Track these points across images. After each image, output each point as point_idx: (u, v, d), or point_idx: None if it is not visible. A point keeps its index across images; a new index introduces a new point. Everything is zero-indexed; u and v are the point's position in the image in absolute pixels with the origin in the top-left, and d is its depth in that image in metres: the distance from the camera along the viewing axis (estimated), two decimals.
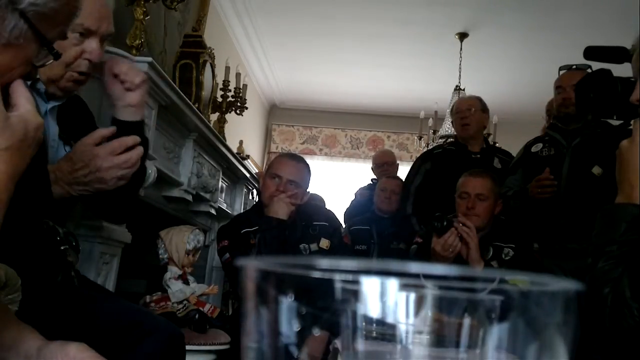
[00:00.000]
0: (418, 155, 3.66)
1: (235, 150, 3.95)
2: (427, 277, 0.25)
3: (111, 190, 1.36)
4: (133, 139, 1.33)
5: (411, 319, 0.25)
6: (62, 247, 1.28)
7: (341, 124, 7.10)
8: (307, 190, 2.37)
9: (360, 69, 5.71)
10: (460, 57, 4.92)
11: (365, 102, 6.69)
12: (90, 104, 1.61)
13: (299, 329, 0.25)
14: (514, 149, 2.96)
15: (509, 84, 5.71)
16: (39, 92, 1.33)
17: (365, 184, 4.38)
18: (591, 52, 1.41)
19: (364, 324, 0.26)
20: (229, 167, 3.68)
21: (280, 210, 2.19)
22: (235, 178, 4.07)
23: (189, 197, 2.94)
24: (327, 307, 0.25)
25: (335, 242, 2.33)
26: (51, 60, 0.82)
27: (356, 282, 0.25)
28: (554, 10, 4.29)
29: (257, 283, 0.26)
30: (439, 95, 5.33)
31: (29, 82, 1.28)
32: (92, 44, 1.35)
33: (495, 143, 4.39)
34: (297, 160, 2.38)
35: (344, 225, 2.93)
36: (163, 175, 2.58)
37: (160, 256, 2.26)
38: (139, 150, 1.35)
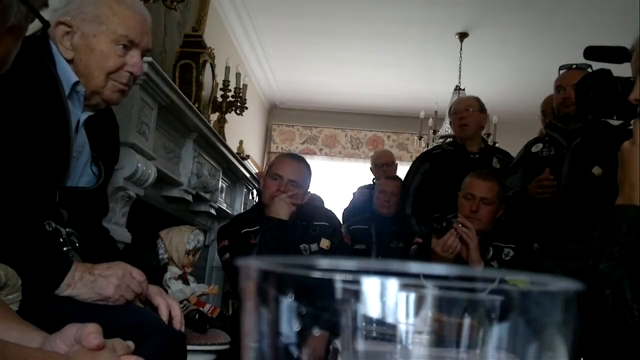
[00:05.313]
0: (418, 155, 3.65)
1: (235, 150, 3.95)
2: (427, 277, 0.25)
3: None
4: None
5: (411, 319, 0.25)
6: (64, 249, 1.27)
7: (341, 124, 7.10)
8: (308, 190, 2.37)
9: (361, 68, 5.71)
10: (460, 57, 4.92)
11: (365, 102, 6.69)
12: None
13: (299, 329, 0.25)
14: (514, 149, 2.95)
15: (509, 84, 5.71)
16: (78, 94, 1.32)
17: (366, 183, 4.37)
18: (591, 52, 1.41)
19: (364, 324, 0.26)
20: (229, 167, 3.68)
21: (281, 210, 2.19)
22: (235, 178, 4.07)
23: (189, 197, 2.94)
24: (327, 307, 0.25)
25: (335, 242, 2.34)
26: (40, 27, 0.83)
27: (356, 282, 0.25)
28: (554, 10, 4.29)
29: (257, 283, 0.26)
30: (439, 95, 5.33)
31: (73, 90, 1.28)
32: (134, 57, 1.35)
33: (495, 143, 4.39)
34: (298, 160, 2.38)
35: (344, 225, 2.92)
36: (163, 175, 2.58)
37: (160, 256, 2.26)
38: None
